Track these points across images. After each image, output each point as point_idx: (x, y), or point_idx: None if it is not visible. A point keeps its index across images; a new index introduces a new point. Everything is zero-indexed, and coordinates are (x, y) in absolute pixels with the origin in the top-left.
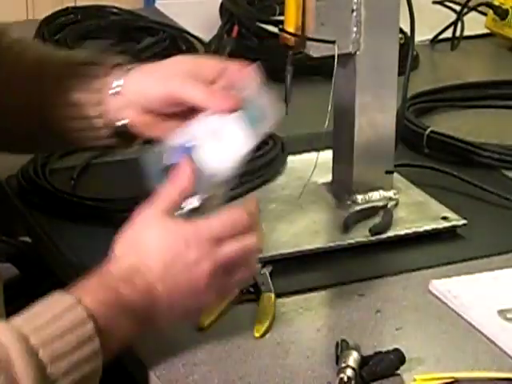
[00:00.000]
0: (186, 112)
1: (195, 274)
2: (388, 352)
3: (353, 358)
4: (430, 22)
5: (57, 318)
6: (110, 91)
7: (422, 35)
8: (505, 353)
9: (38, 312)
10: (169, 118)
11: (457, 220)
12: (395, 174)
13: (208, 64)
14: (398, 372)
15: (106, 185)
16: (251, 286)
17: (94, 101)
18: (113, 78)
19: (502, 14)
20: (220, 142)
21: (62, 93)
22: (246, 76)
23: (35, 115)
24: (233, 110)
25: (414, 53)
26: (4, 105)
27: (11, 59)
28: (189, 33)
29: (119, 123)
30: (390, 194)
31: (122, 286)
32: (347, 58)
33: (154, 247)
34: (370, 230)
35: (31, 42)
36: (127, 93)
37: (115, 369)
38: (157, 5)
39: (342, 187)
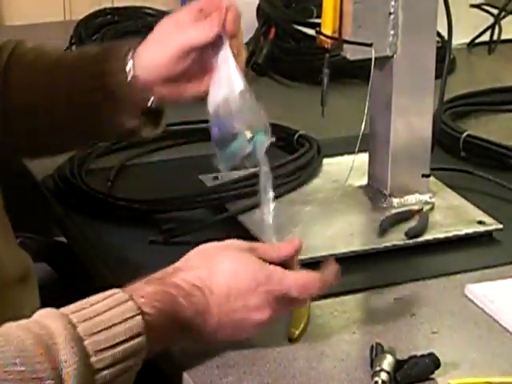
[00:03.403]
0: (197, 61)
1: (251, 317)
2: (423, 356)
3: (387, 362)
4: (468, 26)
5: (107, 309)
6: (127, 77)
7: (460, 39)
8: None
9: (89, 303)
10: (187, 78)
11: (493, 224)
12: (431, 178)
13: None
14: (433, 376)
15: (142, 186)
16: None
17: (115, 84)
18: (124, 63)
19: None
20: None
21: (88, 80)
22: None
23: (62, 110)
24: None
25: (451, 56)
26: (29, 105)
27: (29, 60)
28: None
29: (149, 103)
30: (426, 197)
31: (181, 295)
32: (384, 61)
33: (225, 273)
34: (405, 234)
35: (48, 45)
36: (141, 73)
37: (149, 369)
38: None
39: (377, 190)
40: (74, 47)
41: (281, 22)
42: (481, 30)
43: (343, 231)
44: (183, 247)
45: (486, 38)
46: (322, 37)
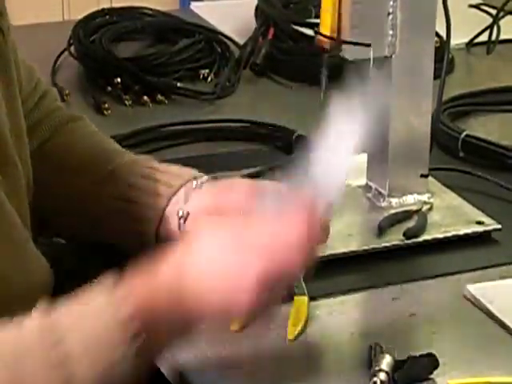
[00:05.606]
0: None
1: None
2: (422, 356)
3: (386, 362)
4: (466, 26)
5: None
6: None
7: (458, 39)
8: None
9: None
10: None
11: (491, 224)
12: (430, 178)
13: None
14: (432, 376)
15: None
16: None
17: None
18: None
19: None
20: None
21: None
22: None
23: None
24: None
25: (450, 56)
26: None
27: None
28: (224, 35)
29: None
30: (425, 197)
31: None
32: (383, 61)
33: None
34: (404, 234)
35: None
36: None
37: (149, 370)
38: (192, 7)
39: (376, 190)
40: (72, 48)
41: (279, 23)
42: (479, 30)
43: (341, 231)
44: None
45: (484, 38)
46: (320, 37)
